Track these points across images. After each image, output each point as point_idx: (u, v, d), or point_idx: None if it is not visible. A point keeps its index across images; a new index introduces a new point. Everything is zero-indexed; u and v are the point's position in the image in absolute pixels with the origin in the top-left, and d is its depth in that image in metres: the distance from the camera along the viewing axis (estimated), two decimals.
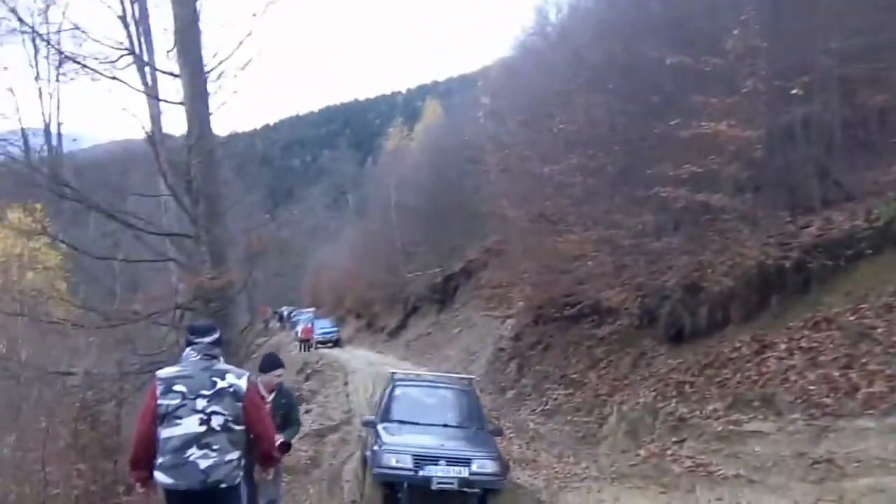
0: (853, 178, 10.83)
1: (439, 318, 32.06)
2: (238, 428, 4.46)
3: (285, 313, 50.95)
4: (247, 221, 13.82)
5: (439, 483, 8.38)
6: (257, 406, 4.68)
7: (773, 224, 10.66)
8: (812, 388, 8.72)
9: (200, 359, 4.58)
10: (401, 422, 9.61)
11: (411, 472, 8.42)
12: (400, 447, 8.71)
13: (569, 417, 13.93)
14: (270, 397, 6.52)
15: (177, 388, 4.41)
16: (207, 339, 4.63)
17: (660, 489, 9.31)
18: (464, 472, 8.46)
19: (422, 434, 9.27)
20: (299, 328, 40.30)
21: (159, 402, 4.39)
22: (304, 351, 36.05)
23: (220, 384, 4.46)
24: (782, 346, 9.60)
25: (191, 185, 11.22)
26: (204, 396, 4.40)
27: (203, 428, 4.35)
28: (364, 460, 9.73)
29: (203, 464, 4.30)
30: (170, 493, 4.41)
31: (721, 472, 8.93)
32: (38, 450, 8.04)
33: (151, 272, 17.53)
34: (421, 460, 8.50)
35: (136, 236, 12.42)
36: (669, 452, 10.03)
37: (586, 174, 13.82)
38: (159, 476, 4.35)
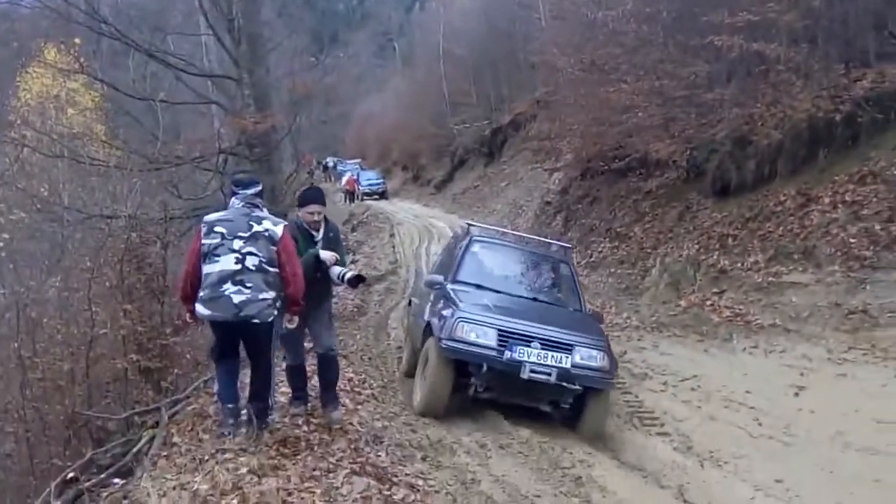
0: None
1: (486, 172, 32.33)
2: (272, 270, 4.99)
3: (330, 164, 51.63)
4: (290, 65, 13.93)
5: (532, 372, 6.80)
6: (290, 252, 5.14)
7: (826, 76, 10.50)
8: (853, 240, 8.97)
9: (242, 206, 5.12)
10: (479, 286, 7.84)
11: (493, 353, 6.85)
12: (482, 317, 7.03)
13: (612, 270, 14.37)
14: (320, 234, 5.81)
15: (217, 229, 4.96)
16: (250, 191, 5.17)
17: (698, 337, 9.86)
18: (565, 362, 6.87)
19: (508, 305, 7.56)
20: (344, 179, 41.05)
21: (202, 241, 4.97)
22: (349, 203, 36.92)
23: (257, 228, 4.99)
24: (826, 200, 9.75)
25: (232, 24, 11.33)
26: (241, 238, 4.93)
27: (238, 266, 4.87)
28: (425, 328, 7.76)
29: (237, 298, 4.83)
30: (213, 324, 5.07)
31: (758, 321, 9.41)
32: (84, 290, 7.97)
33: (194, 116, 17.88)
34: (508, 338, 6.89)
35: (177, 77, 12.66)
36: (709, 303, 10.48)
37: (640, 21, 13.55)
38: (199, 308, 4.93)
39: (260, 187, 5.28)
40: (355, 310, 13.06)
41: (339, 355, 6.47)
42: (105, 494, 4.82)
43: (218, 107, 12.95)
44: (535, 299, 8.07)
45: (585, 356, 7.00)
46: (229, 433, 5.00)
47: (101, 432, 6.99)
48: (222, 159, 11.69)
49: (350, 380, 7.70)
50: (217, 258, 4.89)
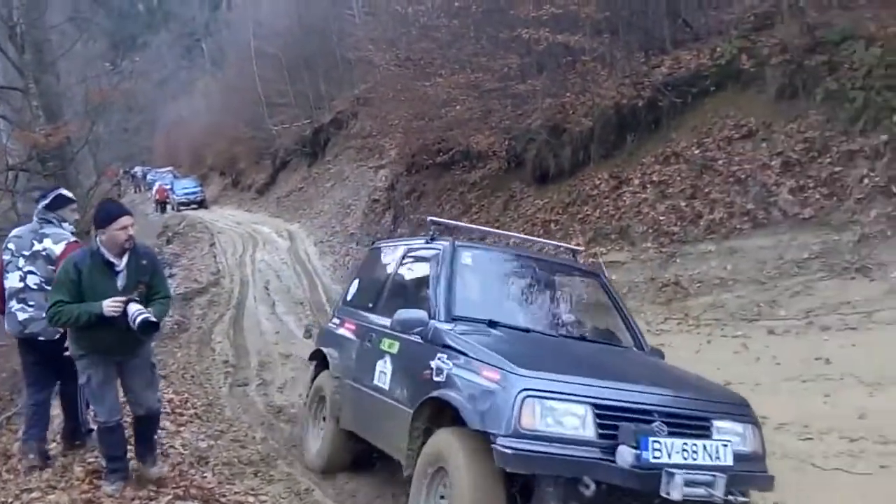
0: (700, 17, 11.63)
1: (311, 172, 32.01)
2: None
3: (139, 173, 49.15)
4: (84, 72, 13.22)
5: (689, 485, 3.57)
6: None
7: (628, 65, 11.41)
8: (662, 218, 9.75)
9: (36, 222, 5.09)
10: (492, 324, 4.66)
11: (597, 455, 3.63)
12: (562, 385, 3.75)
13: None
14: (122, 262, 4.58)
15: (9, 245, 5.05)
16: (41, 205, 5.12)
17: None
18: (724, 456, 3.74)
19: (559, 354, 4.57)
20: (154, 188, 39.31)
21: (2, 256, 5.07)
22: (162, 213, 35.40)
23: (37, 247, 4.99)
24: (636, 182, 10.54)
25: (14, 30, 10.69)
26: (24, 256, 4.98)
27: (21, 284, 4.96)
28: (420, 409, 4.37)
29: (20, 316, 4.93)
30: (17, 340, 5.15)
31: None
32: None
33: None
34: (616, 420, 3.70)
35: None
36: None
37: (451, 15, 13.96)
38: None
39: (48, 200, 5.12)
40: (175, 326, 12.48)
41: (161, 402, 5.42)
42: None
43: (4, 120, 12.07)
44: (582, 338, 5.13)
45: (733, 437, 3.94)
46: (35, 466, 4.82)
47: None
48: (12, 176, 10.92)
49: (171, 401, 7.34)
50: (7, 275, 5.00)
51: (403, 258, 5.80)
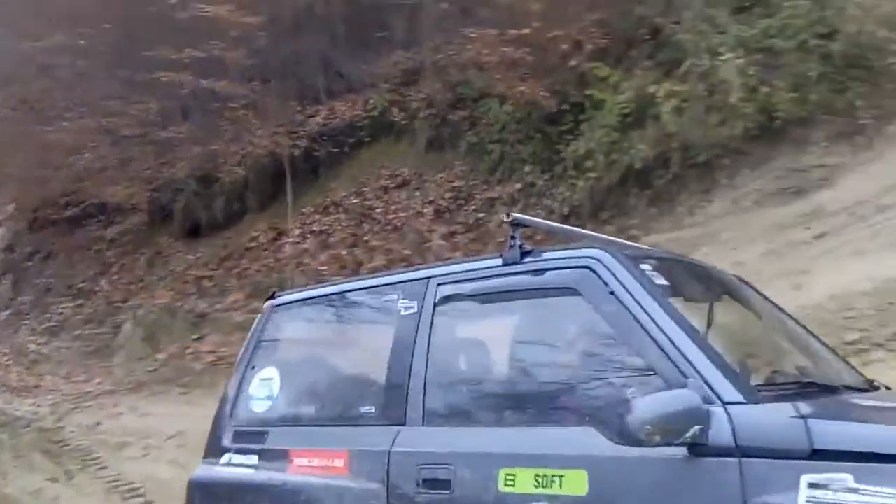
0: (354, 70, 12.24)
1: None
2: None
3: None
4: None
5: None
6: None
7: (283, 113, 11.56)
8: (324, 268, 9.98)
9: None
10: (802, 394, 2.34)
11: None
12: None
13: (78, 332, 13.54)
14: None
15: None
16: None
17: (181, 390, 9.76)
18: None
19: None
20: None
21: None
22: None
23: None
24: (297, 232, 10.73)
25: None
26: None
27: None
28: None
29: None
30: None
31: None
32: None
33: None
34: None
35: None
36: (189, 351, 10.52)
37: (75, 55, 12.99)
38: None
39: None
40: None
41: None
42: None
43: None
44: (866, 388, 3.07)
45: None
46: None
47: None
48: None
49: None
50: None
51: (438, 303, 2.82)
